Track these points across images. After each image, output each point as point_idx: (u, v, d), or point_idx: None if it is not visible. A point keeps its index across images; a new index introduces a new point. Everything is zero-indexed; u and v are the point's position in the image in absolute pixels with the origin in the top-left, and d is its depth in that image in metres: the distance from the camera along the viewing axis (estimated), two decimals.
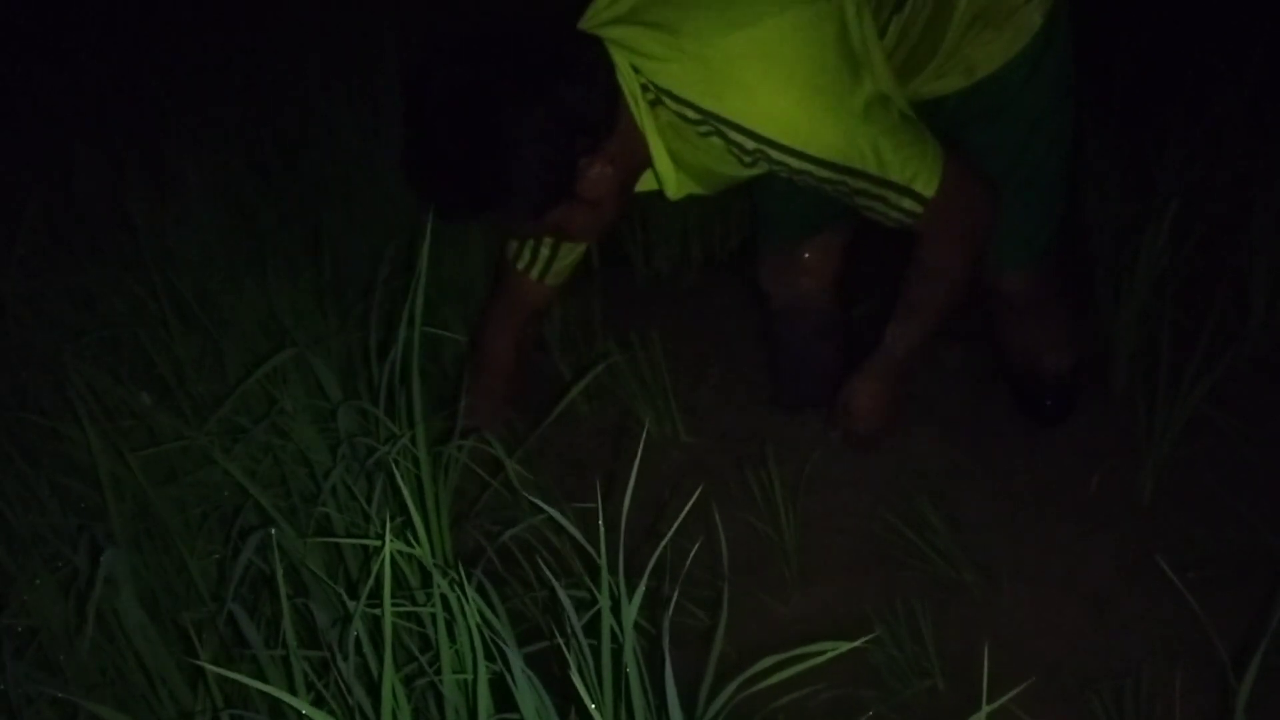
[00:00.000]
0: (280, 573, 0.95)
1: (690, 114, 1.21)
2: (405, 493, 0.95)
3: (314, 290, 1.77)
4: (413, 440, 1.13)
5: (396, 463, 1.12)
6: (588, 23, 1.27)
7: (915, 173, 1.25)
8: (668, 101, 1.21)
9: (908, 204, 1.27)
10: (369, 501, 1.14)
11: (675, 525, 0.93)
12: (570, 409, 1.84)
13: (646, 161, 1.30)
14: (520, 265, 1.55)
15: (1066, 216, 1.57)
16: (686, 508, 0.96)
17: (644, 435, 1.20)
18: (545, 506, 0.95)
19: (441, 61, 1.20)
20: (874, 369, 1.54)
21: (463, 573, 0.89)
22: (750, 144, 1.21)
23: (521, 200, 1.22)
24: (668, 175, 1.30)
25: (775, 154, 1.21)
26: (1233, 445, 1.56)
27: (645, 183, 1.36)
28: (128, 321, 1.59)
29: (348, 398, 1.28)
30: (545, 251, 1.54)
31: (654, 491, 1.60)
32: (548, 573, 0.94)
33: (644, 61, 1.20)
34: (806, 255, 1.68)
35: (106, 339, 1.56)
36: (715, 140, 1.23)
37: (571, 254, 1.57)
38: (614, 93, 1.22)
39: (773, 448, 1.63)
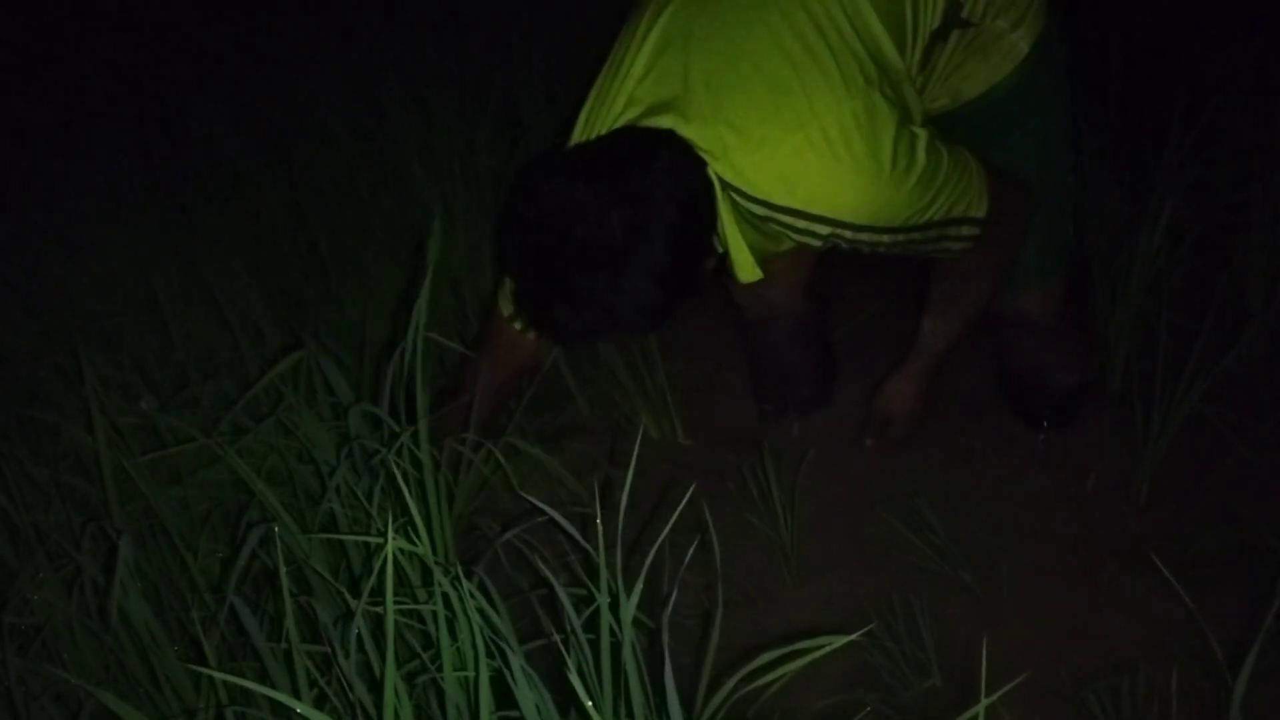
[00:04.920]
0: (284, 569, 0.96)
1: (758, 209, 1.22)
2: (406, 492, 0.96)
3: (319, 291, 1.79)
4: (415, 439, 1.14)
5: (398, 463, 1.13)
6: (612, 117, 1.25)
7: (970, 200, 1.28)
8: (733, 195, 1.23)
9: (967, 230, 1.30)
10: (372, 500, 1.15)
11: (670, 524, 0.94)
12: (570, 409, 1.84)
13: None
14: (521, 325, 1.48)
15: (1075, 234, 1.57)
16: (680, 506, 0.97)
17: (639, 435, 1.21)
18: (544, 507, 0.96)
19: (565, 195, 1.15)
20: (911, 368, 1.57)
21: (464, 571, 0.90)
22: (824, 229, 1.23)
23: (664, 307, 1.19)
24: (746, 262, 1.30)
25: (849, 234, 1.24)
26: (1229, 445, 1.57)
27: None
28: (136, 318, 1.60)
29: (354, 398, 1.29)
30: None
31: (653, 491, 1.61)
32: (546, 572, 0.94)
33: (710, 158, 1.21)
34: (775, 267, 1.68)
35: (115, 335, 1.57)
36: (774, 227, 1.25)
37: None
38: (710, 186, 1.23)
39: (771, 447, 1.63)
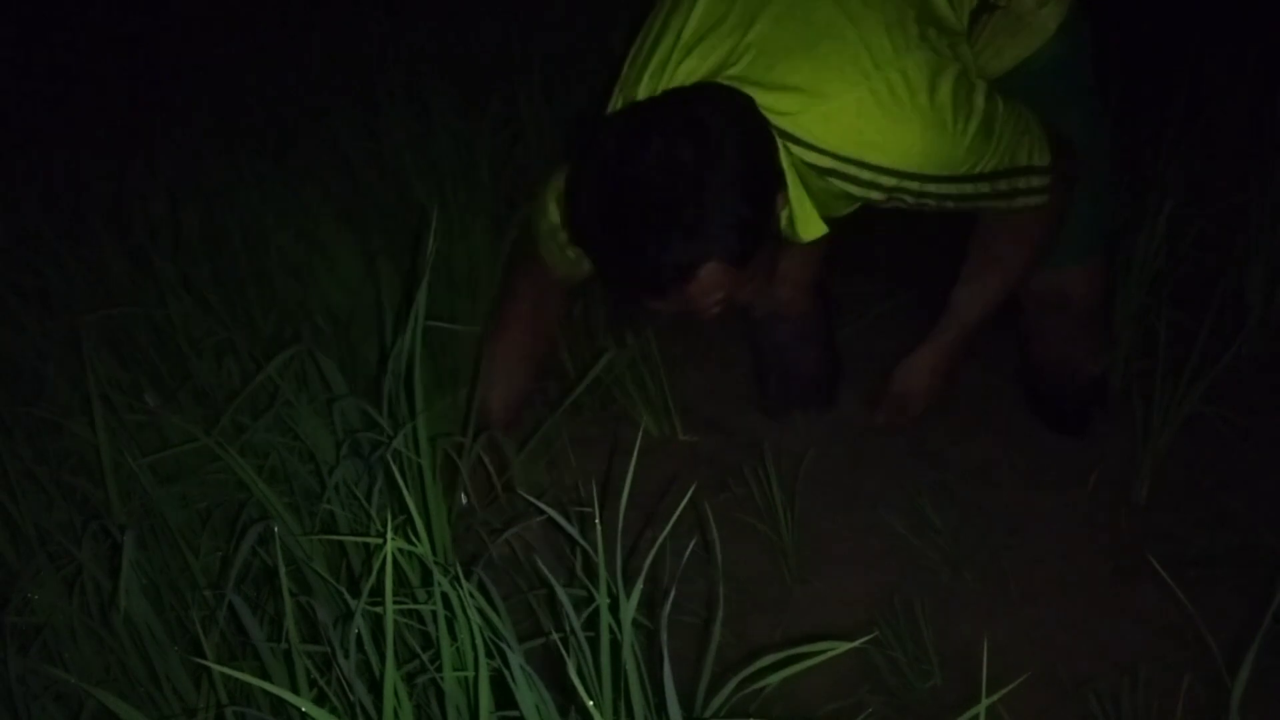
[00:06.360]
0: (283, 569, 0.96)
1: (824, 161, 1.21)
2: (406, 491, 0.96)
3: (317, 288, 1.78)
4: (414, 437, 1.14)
5: (396, 459, 1.13)
6: (652, 81, 1.23)
7: (1033, 147, 1.27)
8: (795, 149, 1.22)
9: (1036, 181, 1.28)
10: (371, 499, 1.14)
11: (670, 523, 0.94)
12: (570, 407, 1.84)
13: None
14: (550, 260, 1.46)
15: (1117, 212, 1.55)
16: (681, 506, 0.97)
17: (639, 434, 1.21)
18: (544, 507, 0.96)
19: (631, 138, 1.13)
20: (936, 342, 1.52)
21: (464, 571, 0.90)
22: (889, 181, 1.22)
23: (753, 222, 1.15)
24: (809, 216, 1.28)
25: (915, 185, 1.23)
26: (1229, 444, 1.57)
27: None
28: (136, 315, 1.60)
29: (351, 394, 1.29)
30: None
31: (652, 491, 1.61)
32: (546, 572, 0.94)
33: (771, 115, 1.19)
34: (783, 265, 1.67)
35: (116, 332, 1.57)
36: (835, 182, 1.24)
37: None
38: (769, 128, 1.21)
39: (771, 447, 1.63)
